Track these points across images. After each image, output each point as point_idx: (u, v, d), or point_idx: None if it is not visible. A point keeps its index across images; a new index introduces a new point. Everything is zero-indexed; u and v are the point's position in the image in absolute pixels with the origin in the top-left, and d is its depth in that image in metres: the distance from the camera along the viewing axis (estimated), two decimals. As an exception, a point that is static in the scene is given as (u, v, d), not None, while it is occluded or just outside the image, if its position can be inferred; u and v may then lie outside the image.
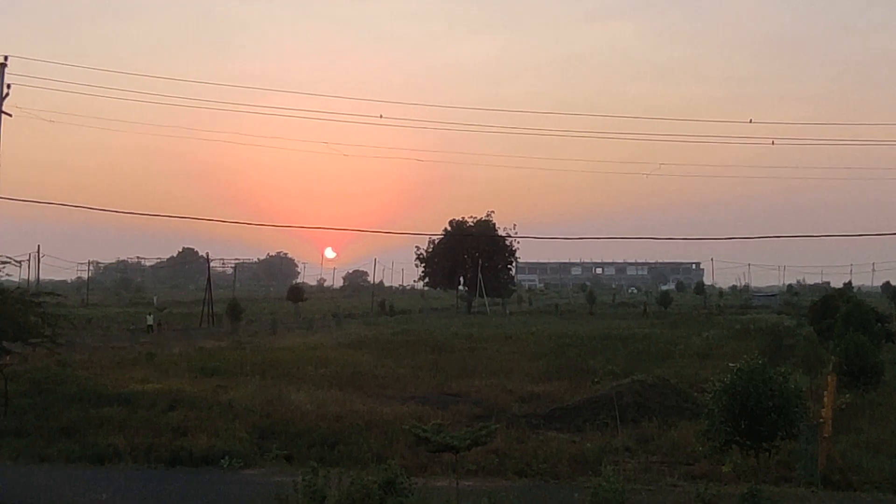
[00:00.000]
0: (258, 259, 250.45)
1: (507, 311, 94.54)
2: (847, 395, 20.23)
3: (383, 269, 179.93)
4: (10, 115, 25.43)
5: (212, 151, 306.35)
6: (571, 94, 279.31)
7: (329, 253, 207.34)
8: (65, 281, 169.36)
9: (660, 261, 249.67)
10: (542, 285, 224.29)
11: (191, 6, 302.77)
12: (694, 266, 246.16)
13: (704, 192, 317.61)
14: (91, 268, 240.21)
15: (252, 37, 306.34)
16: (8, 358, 25.81)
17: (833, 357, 23.21)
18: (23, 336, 24.94)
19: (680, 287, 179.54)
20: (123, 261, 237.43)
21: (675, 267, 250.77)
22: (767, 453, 13.06)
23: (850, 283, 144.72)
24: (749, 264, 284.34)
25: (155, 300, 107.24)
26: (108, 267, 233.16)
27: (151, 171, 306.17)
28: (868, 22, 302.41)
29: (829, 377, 16.21)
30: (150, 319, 59.71)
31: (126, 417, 21.05)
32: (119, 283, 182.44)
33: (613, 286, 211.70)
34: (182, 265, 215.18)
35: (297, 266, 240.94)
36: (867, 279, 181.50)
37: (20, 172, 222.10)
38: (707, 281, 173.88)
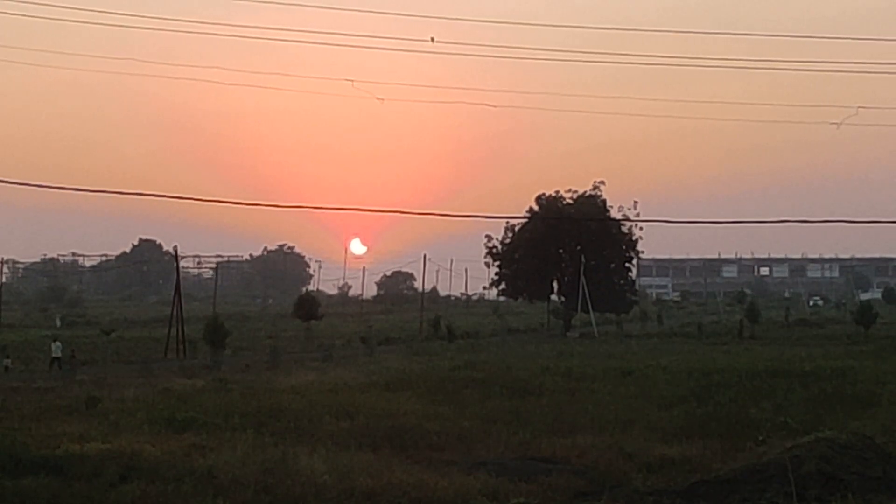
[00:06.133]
0: (251, 256, 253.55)
1: (625, 334, 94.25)
2: None
3: (437, 271, 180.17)
4: None
5: (181, 96, 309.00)
6: (719, 2, 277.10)
7: (356, 247, 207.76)
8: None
9: (858, 255, 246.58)
10: (677, 294, 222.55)
11: None
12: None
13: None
14: (6, 270, 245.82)
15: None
16: None
17: None
18: None
19: (889, 295, 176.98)
20: (52, 259, 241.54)
21: (882, 265, 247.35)
22: None
23: None
24: None
25: (58, 320, 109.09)
26: (29, 269, 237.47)
27: (91, 125, 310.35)
28: None
29: None
30: (56, 349, 59.50)
31: (56, 492, 21.33)
32: (45, 292, 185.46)
33: (787, 294, 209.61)
34: (137, 265, 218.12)
35: (308, 266, 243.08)
36: None
37: None
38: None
